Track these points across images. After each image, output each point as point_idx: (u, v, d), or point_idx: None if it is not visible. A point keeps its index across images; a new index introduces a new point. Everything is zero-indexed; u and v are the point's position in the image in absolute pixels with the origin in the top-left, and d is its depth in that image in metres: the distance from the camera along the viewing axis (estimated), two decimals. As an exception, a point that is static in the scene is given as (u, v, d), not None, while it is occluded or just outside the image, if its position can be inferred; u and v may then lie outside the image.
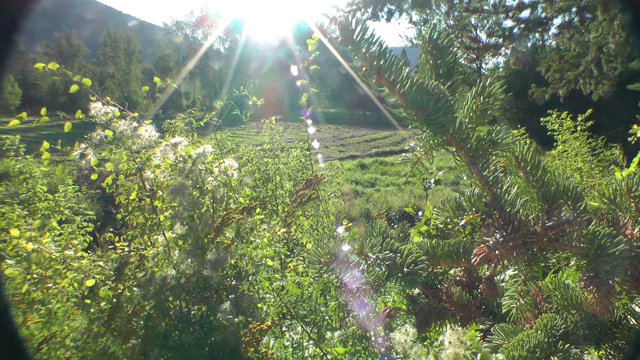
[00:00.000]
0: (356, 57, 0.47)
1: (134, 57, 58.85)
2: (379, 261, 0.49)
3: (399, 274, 0.47)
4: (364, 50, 0.46)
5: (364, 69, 0.47)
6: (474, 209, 0.52)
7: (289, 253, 2.83)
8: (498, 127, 0.48)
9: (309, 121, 2.89)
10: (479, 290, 0.66)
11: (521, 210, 0.49)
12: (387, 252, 0.50)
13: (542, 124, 5.91)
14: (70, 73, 2.36)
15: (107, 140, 2.37)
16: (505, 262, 0.44)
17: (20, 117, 2.33)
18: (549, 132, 5.90)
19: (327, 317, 1.95)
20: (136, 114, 2.47)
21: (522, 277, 0.48)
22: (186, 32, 64.79)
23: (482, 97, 0.45)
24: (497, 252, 0.45)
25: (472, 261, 0.46)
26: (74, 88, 2.41)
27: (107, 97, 2.54)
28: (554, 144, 5.88)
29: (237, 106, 2.97)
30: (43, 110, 2.46)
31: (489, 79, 0.45)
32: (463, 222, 0.73)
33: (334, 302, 2.23)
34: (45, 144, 2.33)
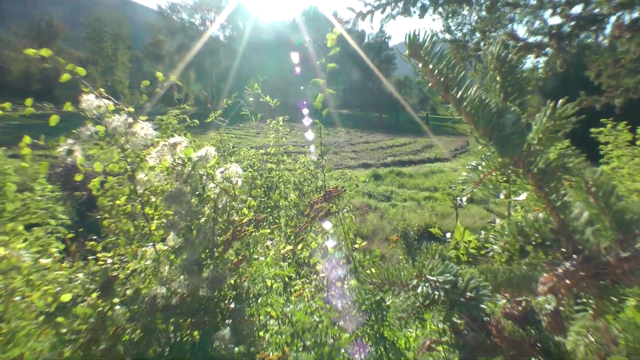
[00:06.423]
0: (419, 72, 0.53)
1: (121, 43, 59.57)
2: (437, 284, 0.54)
3: (461, 300, 0.52)
4: (431, 66, 0.51)
5: (429, 85, 0.53)
6: (536, 235, 0.57)
7: (293, 274, 2.87)
8: (569, 151, 0.53)
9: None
10: (532, 326, 0.70)
11: (591, 238, 0.53)
12: (448, 275, 0.54)
13: (592, 135, 5.76)
14: (62, 60, 2.45)
15: (97, 137, 2.45)
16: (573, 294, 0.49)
17: (3, 106, 2.39)
18: (601, 145, 5.73)
19: (342, 350, 1.98)
20: (132, 109, 2.55)
21: (591, 312, 0.52)
22: (182, 16, 65.59)
23: (552, 119, 0.50)
24: (567, 282, 0.49)
25: (539, 291, 0.50)
26: (65, 77, 2.50)
27: (101, 89, 2.62)
28: (604, 159, 5.72)
29: (235, 104, 3.04)
30: (28, 101, 2.54)
31: (561, 100, 0.51)
32: (497, 247, 0.77)
33: (347, 335, 2.26)
34: (26, 139, 2.39)
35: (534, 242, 0.62)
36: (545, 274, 0.53)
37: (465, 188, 0.58)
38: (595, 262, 0.50)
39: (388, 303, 0.63)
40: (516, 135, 0.49)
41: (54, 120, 2.38)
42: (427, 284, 0.54)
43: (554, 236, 0.57)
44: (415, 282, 0.56)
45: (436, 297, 0.53)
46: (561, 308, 0.55)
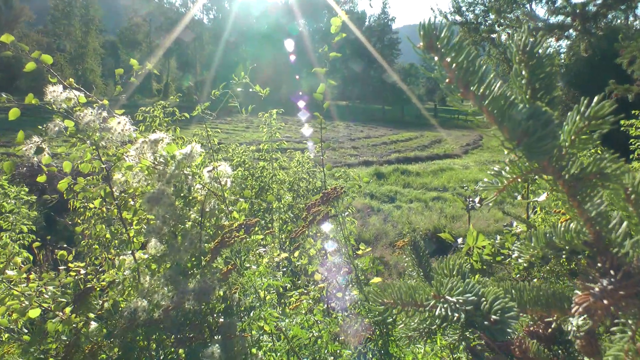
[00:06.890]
0: (436, 66, 0.52)
1: (92, 26, 58.91)
2: (458, 305, 0.53)
3: (485, 323, 0.51)
4: (449, 60, 0.50)
5: (447, 80, 0.52)
6: (567, 248, 0.56)
7: (289, 285, 2.86)
8: (606, 155, 0.52)
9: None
10: (560, 346, 0.69)
11: (631, 252, 0.53)
12: (469, 295, 0.53)
13: (622, 128, 5.74)
14: (27, 48, 2.43)
15: (67, 134, 2.42)
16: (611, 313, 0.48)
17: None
18: (632, 140, 5.74)
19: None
20: (106, 101, 2.53)
21: (630, 332, 0.52)
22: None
23: (586, 119, 0.50)
24: (605, 301, 0.48)
25: (573, 311, 0.50)
26: (30, 66, 2.47)
27: (70, 79, 2.60)
28: (634, 155, 5.72)
29: (222, 95, 3.03)
30: (-10, 93, 2.53)
31: (596, 97, 0.50)
32: (516, 255, 0.77)
33: (347, 351, 2.25)
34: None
35: (564, 254, 0.62)
36: (579, 293, 0.52)
37: (485, 196, 0.57)
38: (635, 279, 0.50)
39: (400, 327, 0.62)
40: (549, 140, 0.49)
41: (13, 114, 2.34)
42: (445, 305, 0.54)
43: (588, 249, 0.56)
44: (432, 302, 0.56)
45: (455, 318, 0.52)
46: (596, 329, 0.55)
